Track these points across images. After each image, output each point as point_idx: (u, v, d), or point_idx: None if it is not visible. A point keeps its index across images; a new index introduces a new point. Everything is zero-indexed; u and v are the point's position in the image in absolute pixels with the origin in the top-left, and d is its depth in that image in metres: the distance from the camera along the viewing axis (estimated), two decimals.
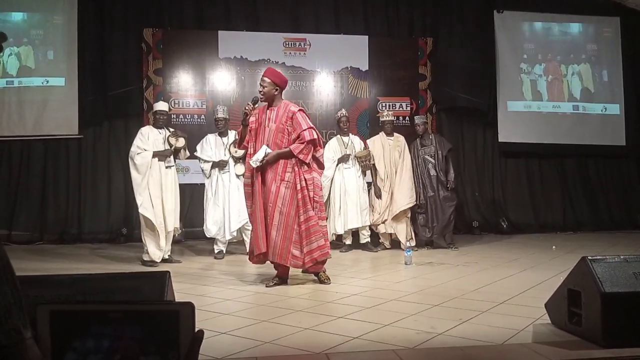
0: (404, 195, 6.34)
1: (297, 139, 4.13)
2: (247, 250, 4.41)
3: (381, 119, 6.74)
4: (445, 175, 6.49)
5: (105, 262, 5.73)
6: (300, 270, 4.62)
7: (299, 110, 4.25)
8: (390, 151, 6.49)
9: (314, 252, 4.12)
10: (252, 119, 4.25)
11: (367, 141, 6.68)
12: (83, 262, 5.68)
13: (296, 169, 4.13)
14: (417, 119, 6.76)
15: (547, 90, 8.88)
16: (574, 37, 9.09)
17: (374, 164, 6.48)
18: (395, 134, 6.64)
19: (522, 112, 8.74)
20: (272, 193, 4.09)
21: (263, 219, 4.13)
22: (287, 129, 4.16)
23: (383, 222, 6.43)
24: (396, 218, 6.39)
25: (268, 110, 4.23)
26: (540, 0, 8.84)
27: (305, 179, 4.14)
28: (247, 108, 4.19)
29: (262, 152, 4.06)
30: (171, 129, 5.70)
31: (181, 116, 7.72)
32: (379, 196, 6.42)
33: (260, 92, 4.23)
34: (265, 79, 4.22)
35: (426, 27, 8.61)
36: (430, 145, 6.59)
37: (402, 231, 6.39)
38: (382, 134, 6.64)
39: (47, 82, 7.53)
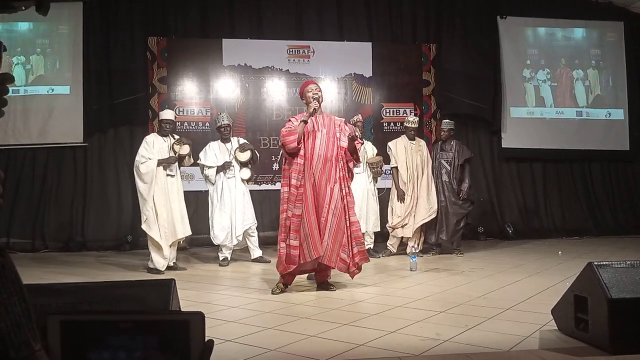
0: (426, 208, 6.28)
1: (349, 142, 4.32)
2: (282, 258, 4.16)
3: (405, 124, 6.65)
4: (459, 184, 6.46)
5: (111, 269, 5.74)
6: (306, 276, 4.63)
7: (343, 121, 4.51)
8: (412, 155, 6.44)
9: (356, 256, 4.26)
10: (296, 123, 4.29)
11: (389, 143, 6.60)
12: (88, 270, 5.68)
13: (342, 174, 4.29)
14: (444, 124, 6.73)
15: (551, 96, 8.87)
16: (578, 42, 9.09)
17: (396, 167, 6.46)
18: (417, 138, 6.61)
19: (526, 118, 8.73)
20: (327, 195, 4.16)
21: (317, 222, 4.13)
22: (336, 135, 4.32)
23: (402, 227, 6.39)
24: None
25: (313, 117, 4.30)
26: (544, 5, 8.85)
27: (347, 186, 4.32)
28: (316, 108, 4.25)
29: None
30: (176, 136, 5.70)
31: (186, 124, 7.75)
32: (402, 199, 6.38)
33: (318, 99, 4.31)
34: (319, 89, 4.41)
35: (429, 32, 8.63)
36: (449, 151, 6.56)
37: (414, 237, 6.34)
38: (404, 137, 6.57)
39: (53, 90, 7.59)
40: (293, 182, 4.19)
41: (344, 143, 4.29)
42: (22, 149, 7.53)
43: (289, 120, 4.36)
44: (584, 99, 8.95)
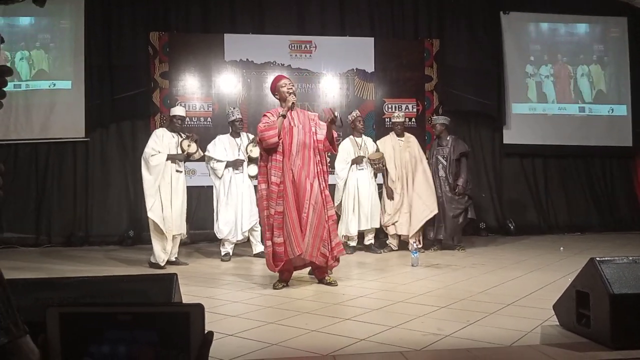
0: (421, 209, 6.28)
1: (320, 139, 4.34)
2: (269, 257, 4.19)
3: (392, 120, 6.70)
4: (455, 179, 6.44)
5: (113, 264, 5.76)
6: (307, 271, 4.63)
7: (317, 116, 4.53)
8: (400, 152, 6.45)
9: (335, 249, 4.28)
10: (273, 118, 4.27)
11: (377, 142, 6.62)
12: (90, 265, 5.70)
13: (319, 167, 4.29)
14: (434, 119, 6.76)
15: (554, 91, 8.84)
16: (581, 38, 9.05)
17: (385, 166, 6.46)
18: (406, 134, 6.60)
19: (528, 114, 8.71)
20: (307, 190, 4.15)
21: (299, 219, 4.13)
22: (312, 130, 4.32)
23: (393, 224, 6.40)
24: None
25: (291, 114, 4.30)
26: (547, 0, 8.81)
27: (325, 180, 4.32)
28: (295, 102, 4.29)
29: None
30: (182, 134, 5.69)
31: (188, 119, 7.72)
32: (391, 197, 6.38)
33: (294, 93, 4.33)
34: (292, 83, 4.42)
35: (432, 28, 8.60)
36: (445, 147, 6.55)
37: (414, 235, 6.33)
38: (392, 135, 6.60)
39: (54, 85, 7.59)
40: (273, 179, 4.16)
41: (321, 136, 4.30)
42: (24, 143, 7.54)
43: (265, 115, 4.33)
44: (586, 95, 8.92)
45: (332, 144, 4.37)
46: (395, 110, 7.92)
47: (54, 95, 7.57)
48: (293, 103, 4.26)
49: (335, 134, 4.41)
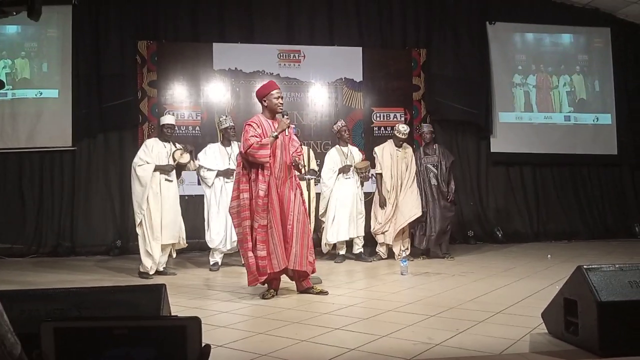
0: (409, 208, 6.31)
1: (294, 151, 4.38)
2: (253, 269, 4.12)
3: (396, 133, 6.47)
4: (447, 186, 6.49)
5: (100, 274, 5.70)
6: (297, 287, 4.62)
7: (292, 128, 4.61)
8: (397, 162, 6.44)
9: (314, 256, 4.40)
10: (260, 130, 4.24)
11: (376, 149, 6.59)
12: (78, 275, 5.64)
13: (296, 180, 4.37)
14: (425, 127, 6.77)
15: (539, 101, 8.95)
16: (565, 48, 9.18)
17: (380, 173, 6.46)
18: (404, 144, 6.55)
19: (514, 123, 8.80)
20: (291, 201, 4.22)
21: (284, 232, 4.17)
22: (289, 143, 4.37)
23: (383, 233, 6.41)
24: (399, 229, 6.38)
25: (270, 124, 4.29)
26: (532, 11, 8.93)
27: (301, 192, 4.38)
28: (290, 125, 4.31)
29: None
30: (177, 145, 5.66)
31: (176, 128, 7.69)
32: (383, 206, 6.40)
33: (287, 113, 4.31)
34: (282, 95, 4.41)
35: (419, 38, 8.67)
36: (433, 155, 6.59)
37: (398, 242, 6.39)
38: (390, 143, 6.54)
39: (41, 94, 7.53)
40: (261, 193, 4.12)
41: (291, 153, 4.36)
42: (11, 152, 7.45)
43: (249, 125, 4.22)
44: (572, 104, 9.04)
45: (297, 169, 4.40)
46: (384, 119, 7.95)
47: (41, 104, 7.50)
48: (288, 126, 4.26)
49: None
